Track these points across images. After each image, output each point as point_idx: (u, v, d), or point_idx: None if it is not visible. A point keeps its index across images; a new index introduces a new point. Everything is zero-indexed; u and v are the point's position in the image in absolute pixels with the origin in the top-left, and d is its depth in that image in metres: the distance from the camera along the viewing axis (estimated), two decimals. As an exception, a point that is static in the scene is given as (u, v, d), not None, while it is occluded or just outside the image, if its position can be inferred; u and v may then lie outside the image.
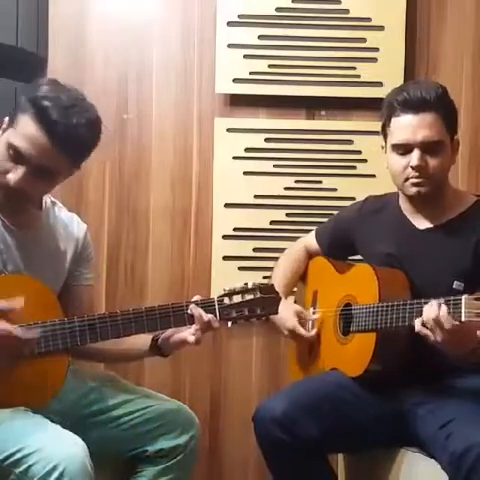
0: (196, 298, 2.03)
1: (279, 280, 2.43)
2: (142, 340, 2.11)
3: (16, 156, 1.91)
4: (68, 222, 2.16)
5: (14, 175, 1.92)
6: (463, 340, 1.93)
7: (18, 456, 1.78)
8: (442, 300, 1.91)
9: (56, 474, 1.73)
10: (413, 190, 2.15)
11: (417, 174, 2.12)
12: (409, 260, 2.19)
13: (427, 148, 2.11)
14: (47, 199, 2.12)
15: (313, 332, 2.34)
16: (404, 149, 2.13)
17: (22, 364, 1.90)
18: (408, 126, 2.12)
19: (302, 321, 2.35)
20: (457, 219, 2.17)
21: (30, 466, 1.76)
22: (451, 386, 2.12)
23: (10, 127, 1.93)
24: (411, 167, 2.12)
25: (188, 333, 2.03)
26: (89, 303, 2.20)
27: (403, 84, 2.24)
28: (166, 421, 2.12)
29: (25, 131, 1.90)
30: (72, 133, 1.89)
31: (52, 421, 1.90)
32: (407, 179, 2.14)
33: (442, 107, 2.13)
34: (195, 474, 2.21)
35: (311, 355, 2.41)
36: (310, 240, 2.51)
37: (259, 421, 2.15)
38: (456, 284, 1.91)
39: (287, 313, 2.31)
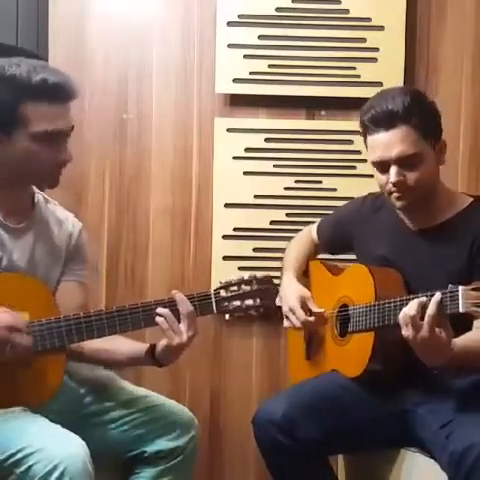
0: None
1: (290, 262, 2.45)
2: (138, 346, 2.10)
3: (54, 137, 1.94)
4: (63, 220, 2.16)
5: (66, 151, 1.98)
6: (438, 349, 1.91)
7: (19, 456, 1.78)
8: (424, 298, 1.89)
9: (57, 474, 1.73)
10: (398, 204, 2.15)
11: (397, 189, 2.12)
12: (403, 262, 2.19)
13: (403, 163, 2.09)
14: (39, 195, 2.12)
15: (310, 318, 2.26)
16: (382, 166, 2.13)
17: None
18: (380, 144, 2.10)
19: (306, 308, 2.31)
20: (452, 221, 2.16)
21: (31, 466, 1.76)
22: (451, 386, 2.11)
23: (18, 127, 1.91)
24: (391, 183, 2.11)
25: (178, 338, 1.99)
26: (81, 300, 2.15)
27: (373, 97, 2.17)
28: (166, 422, 2.12)
29: (46, 113, 1.91)
30: (68, 80, 1.96)
31: (51, 421, 1.90)
32: (391, 193, 2.14)
33: (414, 116, 2.08)
34: (195, 475, 2.21)
35: (310, 357, 2.41)
36: (313, 231, 2.52)
37: (259, 424, 2.15)
38: (450, 287, 1.91)
39: (292, 294, 2.30)
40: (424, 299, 1.89)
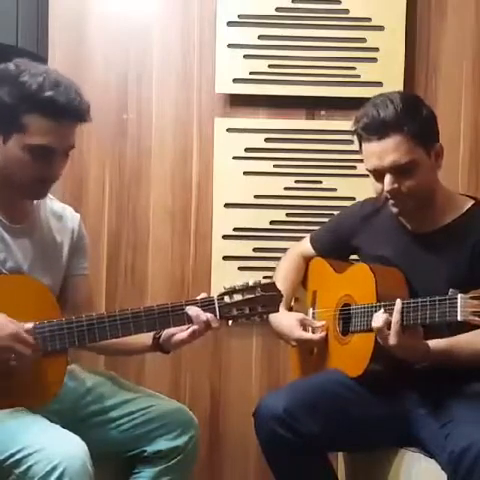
0: (202, 295, 2.03)
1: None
2: (144, 335, 2.10)
3: (46, 153, 1.93)
4: (61, 213, 2.18)
5: (55, 169, 1.97)
6: (412, 350, 2.01)
7: (18, 456, 1.78)
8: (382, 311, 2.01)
9: (56, 474, 1.74)
10: (394, 211, 2.16)
11: (392, 196, 2.12)
12: (404, 264, 2.19)
13: (398, 171, 2.08)
14: None
15: (323, 334, 2.31)
16: (376, 174, 2.12)
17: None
18: (374, 153, 2.10)
19: (307, 327, 2.35)
20: (452, 224, 2.16)
21: (30, 466, 1.76)
22: (451, 386, 2.11)
23: (16, 132, 1.92)
24: (386, 191, 2.11)
25: (186, 333, 2.03)
26: (87, 293, 2.22)
27: (366, 103, 2.14)
28: (165, 422, 2.12)
29: (45, 129, 1.91)
30: (79, 103, 1.95)
31: (51, 421, 1.90)
32: (387, 199, 2.14)
33: (406, 124, 2.06)
34: (195, 474, 2.21)
35: (312, 356, 2.40)
36: (305, 246, 2.50)
37: (260, 418, 2.14)
38: (451, 291, 1.91)
39: (290, 324, 2.32)
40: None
